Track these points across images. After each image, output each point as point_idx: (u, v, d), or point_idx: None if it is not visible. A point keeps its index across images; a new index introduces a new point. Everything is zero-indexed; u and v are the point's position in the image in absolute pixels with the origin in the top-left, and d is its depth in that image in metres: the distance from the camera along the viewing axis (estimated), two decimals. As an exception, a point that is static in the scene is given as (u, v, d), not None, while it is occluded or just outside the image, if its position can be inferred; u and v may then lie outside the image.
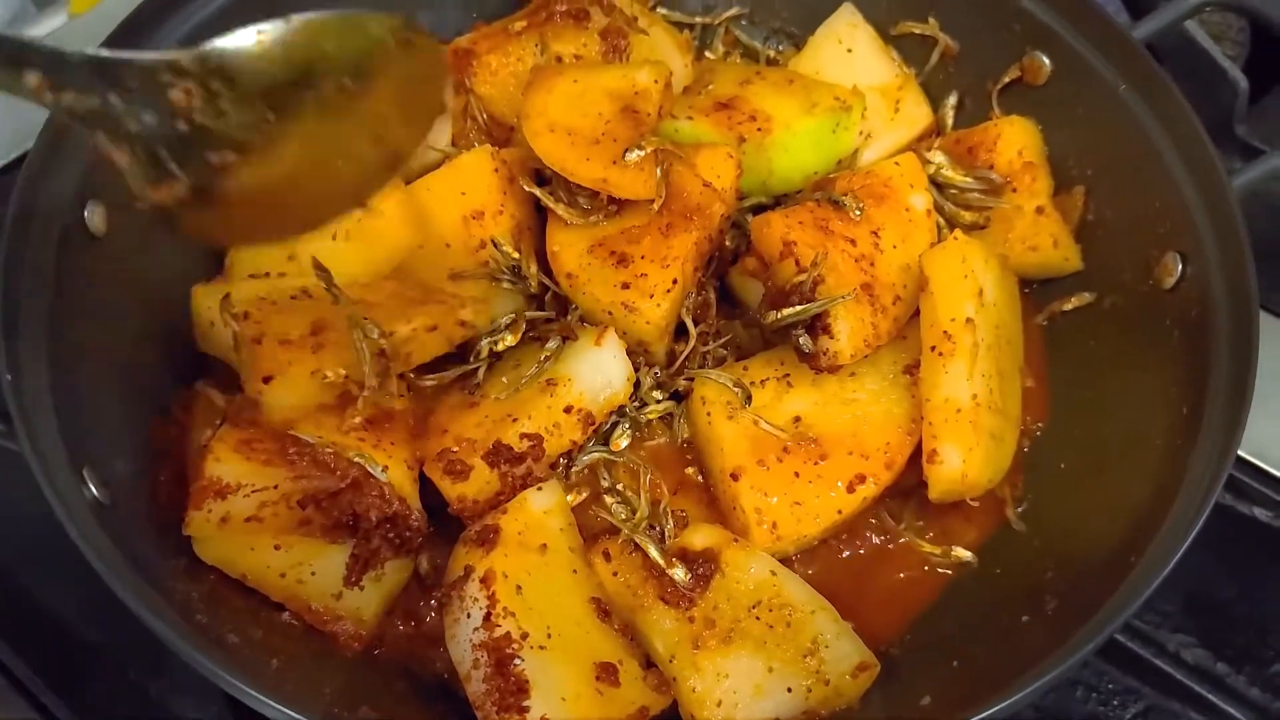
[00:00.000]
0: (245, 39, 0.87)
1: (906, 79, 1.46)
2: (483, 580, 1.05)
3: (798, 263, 1.18)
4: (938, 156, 1.34)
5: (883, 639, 1.17)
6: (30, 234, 1.09)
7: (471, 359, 1.20)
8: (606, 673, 1.03)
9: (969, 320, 1.16)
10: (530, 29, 1.36)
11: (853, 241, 1.21)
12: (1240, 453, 1.07)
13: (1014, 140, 1.35)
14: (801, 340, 1.18)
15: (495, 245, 1.24)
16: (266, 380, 1.08)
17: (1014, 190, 1.34)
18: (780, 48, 1.57)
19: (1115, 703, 1.22)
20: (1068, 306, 1.33)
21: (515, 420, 1.14)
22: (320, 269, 1.09)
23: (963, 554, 1.20)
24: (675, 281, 1.18)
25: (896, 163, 1.29)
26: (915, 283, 1.22)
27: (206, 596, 1.06)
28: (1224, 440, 1.05)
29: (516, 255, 1.24)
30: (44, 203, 1.11)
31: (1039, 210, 1.33)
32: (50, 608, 1.22)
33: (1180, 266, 1.19)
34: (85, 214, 1.15)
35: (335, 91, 0.91)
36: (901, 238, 1.25)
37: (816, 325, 1.17)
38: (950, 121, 1.47)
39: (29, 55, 0.80)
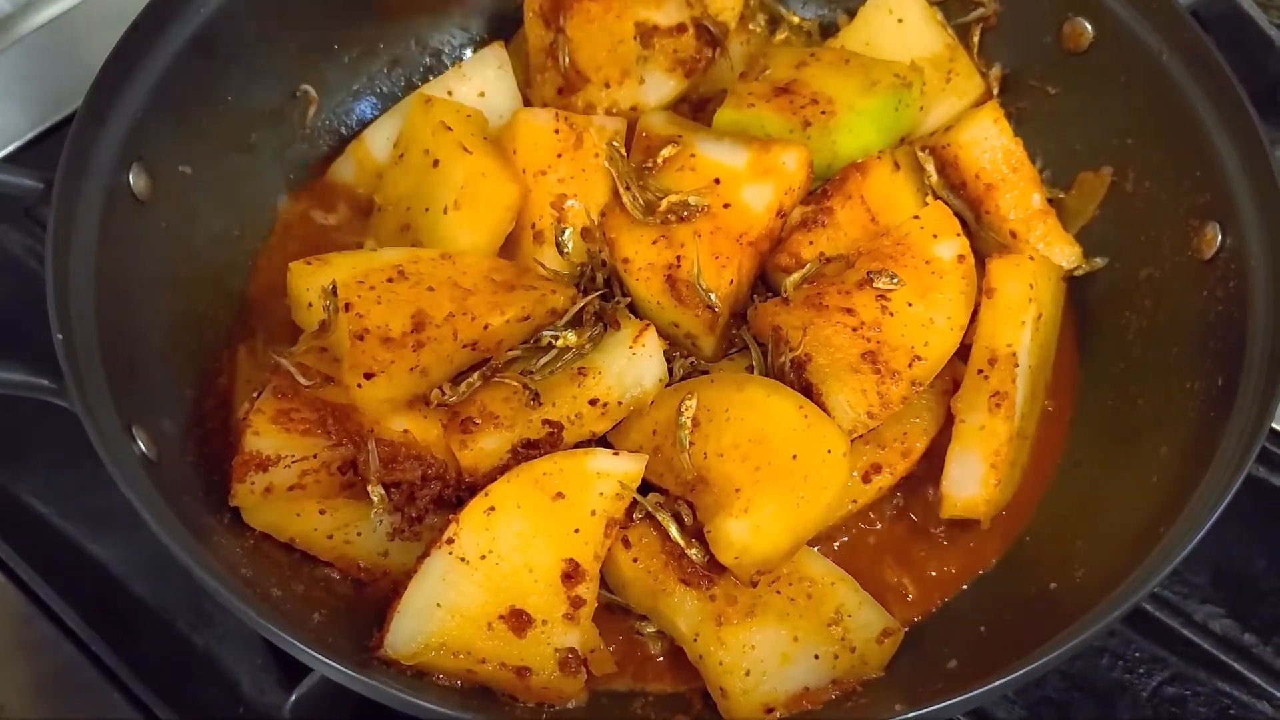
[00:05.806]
0: None
1: (957, 48, 1.43)
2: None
3: (789, 345, 1.15)
4: (929, 164, 1.32)
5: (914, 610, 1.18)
6: (78, 196, 1.10)
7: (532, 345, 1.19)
8: (515, 618, 1.02)
9: (1021, 348, 1.14)
10: None
11: (849, 311, 1.15)
12: (1275, 425, 1.06)
13: (970, 164, 1.31)
14: None
15: (561, 234, 1.23)
16: (368, 376, 1.07)
17: (987, 212, 1.32)
18: (817, 15, 1.54)
19: (1141, 671, 1.23)
20: (1077, 272, 1.32)
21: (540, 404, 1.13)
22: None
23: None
24: (732, 282, 1.19)
25: (916, 216, 1.22)
26: (945, 337, 1.16)
27: (250, 551, 1.08)
28: (1258, 412, 1.05)
29: (590, 250, 1.24)
30: (91, 165, 1.12)
31: (1013, 234, 1.31)
32: (100, 561, 1.25)
33: (1220, 237, 1.17)
34: (130, 177, 1.16)
35: None
36: (921, 293, 1.17)
37: (815, 402, 1.12)
38: (995, 90, 1.43)
39: None
